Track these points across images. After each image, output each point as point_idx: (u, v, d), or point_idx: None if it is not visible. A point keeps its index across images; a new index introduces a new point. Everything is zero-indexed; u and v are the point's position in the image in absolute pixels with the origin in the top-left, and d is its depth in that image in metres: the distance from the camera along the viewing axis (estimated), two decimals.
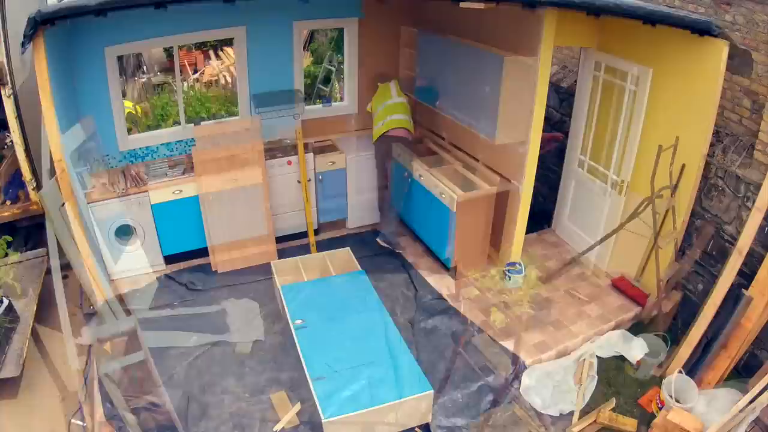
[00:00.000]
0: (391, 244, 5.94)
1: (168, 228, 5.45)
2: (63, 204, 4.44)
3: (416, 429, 3.91)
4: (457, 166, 5.72)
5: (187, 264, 5.71)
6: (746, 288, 4.32)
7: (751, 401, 3.71)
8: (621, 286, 5.29)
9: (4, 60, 4.88)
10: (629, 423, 4.14)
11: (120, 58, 5.43)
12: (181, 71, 6.92)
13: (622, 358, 4.72)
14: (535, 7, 4.02)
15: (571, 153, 5.90)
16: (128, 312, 4.98)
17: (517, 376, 4.49)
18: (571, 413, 4.27)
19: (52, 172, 4.55)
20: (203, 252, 5.76)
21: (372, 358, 4.01)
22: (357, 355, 4.04)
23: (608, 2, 4.02)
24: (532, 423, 4.22)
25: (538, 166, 5.15)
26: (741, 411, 3.69)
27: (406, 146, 5.79)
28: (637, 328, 5.03)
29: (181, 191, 5.34)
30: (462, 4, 4.03)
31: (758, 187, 4.30)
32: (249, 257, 5.65)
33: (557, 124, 6.59)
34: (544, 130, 5.12)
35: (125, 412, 3.51)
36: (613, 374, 4.63)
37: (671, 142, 4.72)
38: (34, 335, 4.69)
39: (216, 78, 9.99)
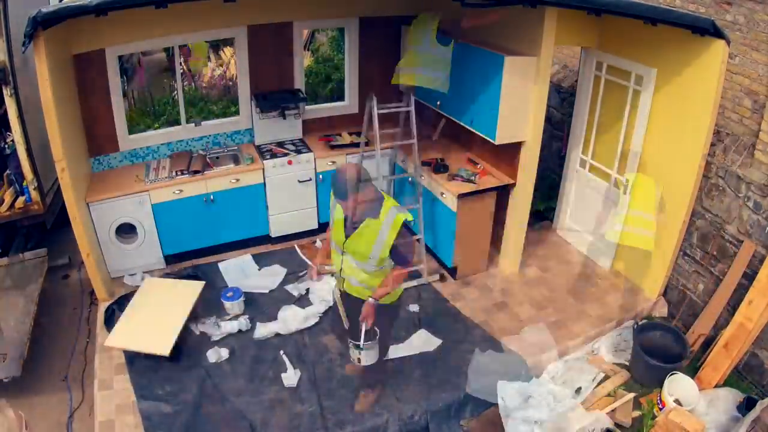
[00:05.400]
0: None
1: (168, 228, 5.45)
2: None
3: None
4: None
5: (188, 264, 5.71)
6: (747, 288, 4.33)
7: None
8: None
9: (6, 59, 4.88)
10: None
11: (120, 58, 5.43)
12: (183, 71, 6.93)
13: None
14: (535, 5, 4.02)
15: (572, 152, 5.89)
16: None
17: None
18: None
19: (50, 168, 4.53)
20: (204, 252, 5.77)
21: None
22: None
23: (609, 1, 4.02)
24: None
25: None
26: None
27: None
28: None
29: (181, 191, 5.34)
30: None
31: (759, 186, 4.31)
32: None
33: (558, 123, 6.60)
34: (544, 131, 5.12)
35: None
36: None
37: (672, 141, 4.73)
38: (34, 334, 4.68)
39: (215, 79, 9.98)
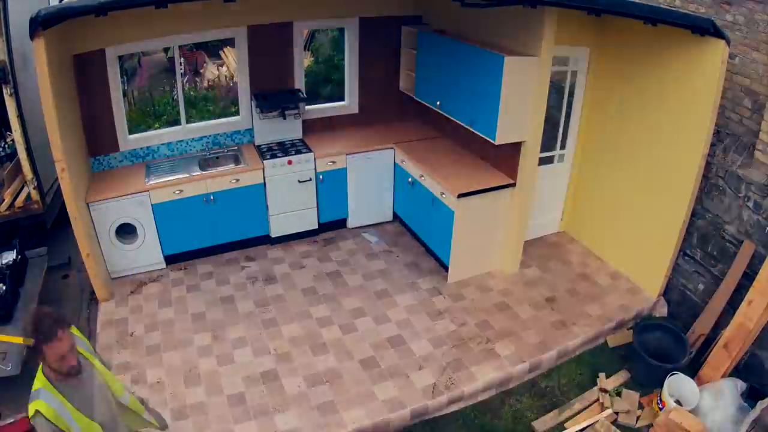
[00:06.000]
0: None
1: (168, 228, 5.45)
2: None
3: None
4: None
5: (188, 264, 5.71)
6: (747, 288, 4.33)
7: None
8: None
9: (6, 59, 4.88)
10: None
11: (120, 58, 5.43)
12: (184, 72, 6.91)
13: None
14: (535, 5, 4.02)
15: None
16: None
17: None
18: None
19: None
20: (204, 252, 5.77)
21: None
22: None
23: (609, 1, 4.02)
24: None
25: None
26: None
27: None
28: None
29: (181, 191, 5.34)
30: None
31: (759, 186, 4.31)
32: None
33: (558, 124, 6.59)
34: (544, 131, 5.13)
35: None
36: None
37: (672, 142, 4.73)
38: None
39: (217, 78, 9.98)
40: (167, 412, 4.02)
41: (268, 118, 5.89)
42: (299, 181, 5.83)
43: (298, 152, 5.82)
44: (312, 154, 5.82)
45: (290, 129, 6.08)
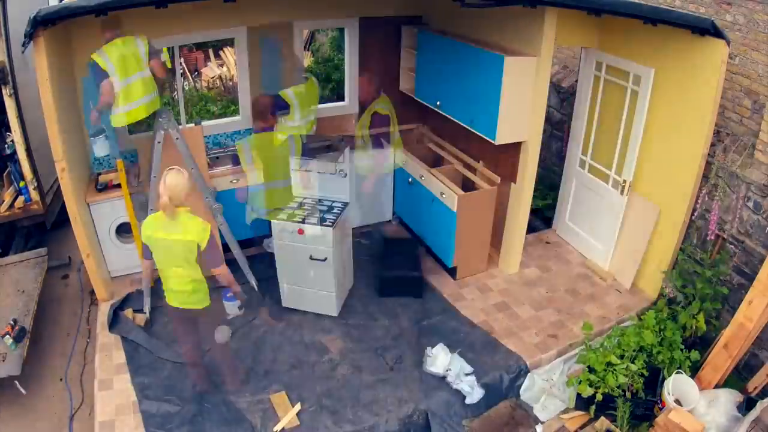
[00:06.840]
0: None
1: None
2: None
3: None
4: (457, 166, 5.73)
5: None
6: (747, 288, 4.33)
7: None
8: None
9: (6, 59, 4.89)
10: None
11: None
12: (183, 72, 6.90)
13: None
14: (535, 5, 4.02)
15: (572, 153, 5.89)
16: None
17: (518, 376, 4.49)
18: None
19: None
20: None
21: None
22: None
23: (609, 1, 4.02)
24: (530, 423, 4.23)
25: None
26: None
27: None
28: None
29: None
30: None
31: (759, 187, 4.31)
32: None
33: (558, 124, 6.60)
34: (544, 131, 5.13)
35: None
36: None
37: (672, 142, 4.73)
38: (34, 335, 4.68)
39: (215, 79, 10.00)
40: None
41: None
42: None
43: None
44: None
45: None
